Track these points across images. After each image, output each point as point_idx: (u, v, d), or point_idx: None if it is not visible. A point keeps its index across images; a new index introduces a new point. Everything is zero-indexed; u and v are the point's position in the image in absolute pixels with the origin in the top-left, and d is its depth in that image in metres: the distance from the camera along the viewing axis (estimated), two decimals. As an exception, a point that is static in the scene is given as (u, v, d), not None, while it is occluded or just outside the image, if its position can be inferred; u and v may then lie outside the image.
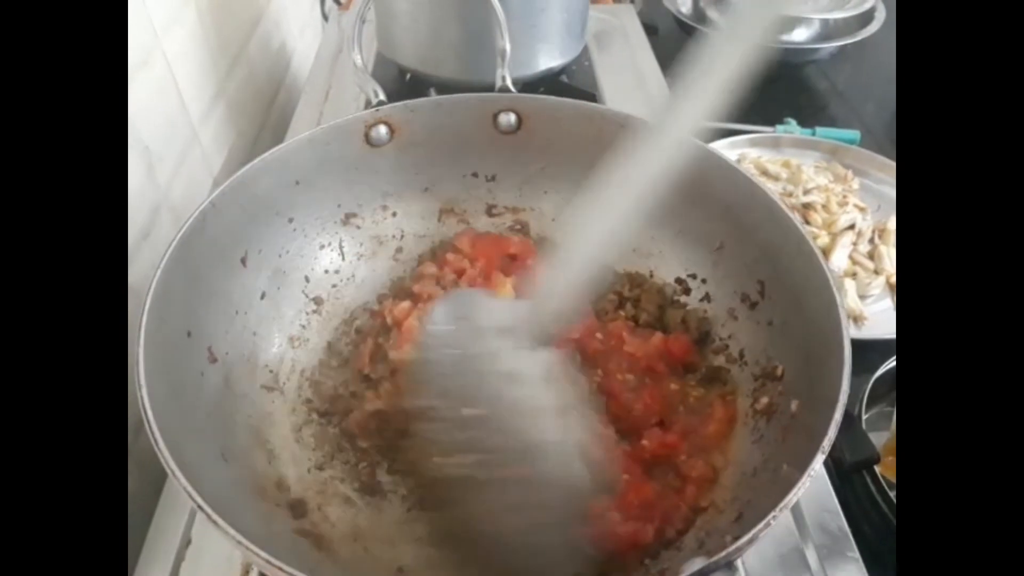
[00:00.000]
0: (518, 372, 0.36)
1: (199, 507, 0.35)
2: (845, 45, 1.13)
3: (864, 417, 0.64)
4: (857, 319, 0.77)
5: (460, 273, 0.62)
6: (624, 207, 0.36)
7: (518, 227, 0.69)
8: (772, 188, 0.60)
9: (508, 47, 0.64)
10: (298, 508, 0.48)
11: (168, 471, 0.36)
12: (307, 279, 0.62)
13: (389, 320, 0.59)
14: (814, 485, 0.55)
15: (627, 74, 1.00)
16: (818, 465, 0.37)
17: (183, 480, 0.35)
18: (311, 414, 0.56)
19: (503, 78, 0.65)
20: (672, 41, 1.22)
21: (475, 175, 0.68)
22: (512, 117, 0.64)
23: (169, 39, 0.71)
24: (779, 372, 0.52)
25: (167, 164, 0.71)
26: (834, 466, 0.60)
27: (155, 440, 0.37)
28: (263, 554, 0.33)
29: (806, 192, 0.90)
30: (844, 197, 0.89)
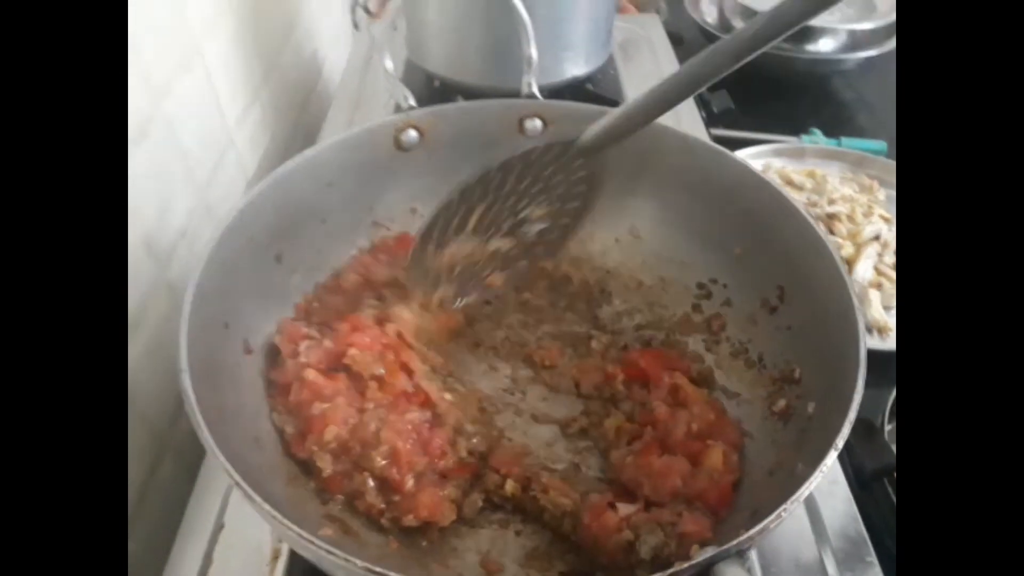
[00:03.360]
0: None
1: (236, 483, 0.36)
2: (872, 56, 1.13)
3: (887, 428, 0.64)
4: (882, 330, 0.76)
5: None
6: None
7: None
8: (796, 198, 0.60)
9: (535, 54, 0.65)
10: (326, 495, 0.50)
11: (208, 449, 0.38)
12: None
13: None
14: (833, 491, 0.56)
15: (652, 83, 0.98)
16: (831, 461, 0.38)
17: (221, 458, 0.37)
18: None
19: (529, 85, 0.66)
20: (697, 51, 1.21)
21: (501, 179, 0.69)
22: (538, 123, 0.66)
23: (209, 46, 0.74)
24: (797, 375, 0.53)
25: (205, 166, 0.73)
26: (855, 474, 0.60)
27: (196, 421, 0.39)
28: (295, 528, 0.35)
29: (831, 202, 0.90)
30: (869, 208, 0.88)
